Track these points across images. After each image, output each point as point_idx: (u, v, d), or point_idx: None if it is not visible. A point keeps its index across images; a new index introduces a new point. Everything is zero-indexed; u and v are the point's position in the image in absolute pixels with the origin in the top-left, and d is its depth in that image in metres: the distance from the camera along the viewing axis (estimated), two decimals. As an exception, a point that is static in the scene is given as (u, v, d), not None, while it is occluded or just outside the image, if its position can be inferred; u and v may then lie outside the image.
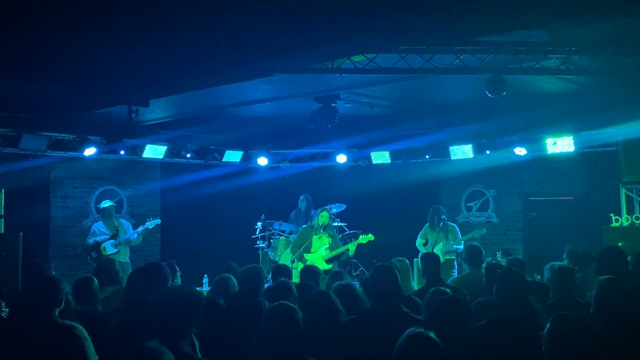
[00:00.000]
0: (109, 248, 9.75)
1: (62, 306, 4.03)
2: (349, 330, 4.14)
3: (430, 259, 6.30)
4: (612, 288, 4.11)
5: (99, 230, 9.94)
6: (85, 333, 4.11)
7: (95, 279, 5.21)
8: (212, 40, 6.02)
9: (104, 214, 10.12)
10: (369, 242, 9.45)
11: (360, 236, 9.47)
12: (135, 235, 9.95)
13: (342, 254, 9.37)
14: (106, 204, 10.13)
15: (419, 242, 10.02)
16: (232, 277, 5.76)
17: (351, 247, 9.33)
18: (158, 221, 10.16)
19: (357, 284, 5.90)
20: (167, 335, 3.27)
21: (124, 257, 9.80)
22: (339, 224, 11.46)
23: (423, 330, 3.06)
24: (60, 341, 3.69)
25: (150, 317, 3.49)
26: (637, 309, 3.92)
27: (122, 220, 10.27)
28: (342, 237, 11.06)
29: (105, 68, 6.73)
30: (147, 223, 10.03)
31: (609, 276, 4.36)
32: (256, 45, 6.05)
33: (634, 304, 3.95)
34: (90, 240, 9.84)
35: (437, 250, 9.37)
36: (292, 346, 3.42)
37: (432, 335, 3.03)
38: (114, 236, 9.84)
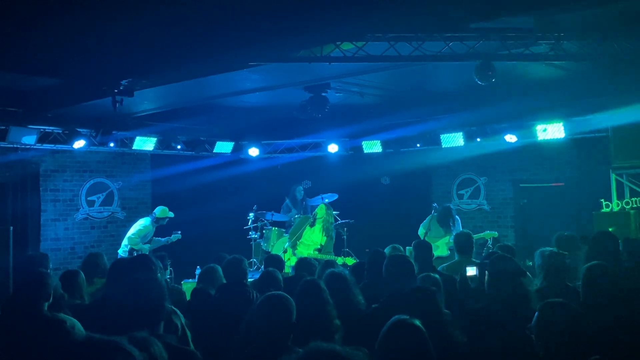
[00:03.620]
0: (144, 251, 9.93)
1: (50, 300, 4.00)
2: (369, 322, 4.10)
3: (422, 247, 6.32)
4: (598, 274, 4.13)
5: (147, 232, 10.07)
6: (78, 326, 4.09)
7: (82, 272, 5.19)
8: (198, 30, 5.97)
9: (157, 221, 10.17)
10: (360, 235, 9.63)
11: (349, 257, 9.90)
12: (164, 243, 10.30)
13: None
14: (165, 213, 10.23)
15: (421, 230, 9.92)
16: (218, 267, 5.77)
17: (338, 260, 9.50)
18: (179, 236, 10.40)
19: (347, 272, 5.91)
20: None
21: None
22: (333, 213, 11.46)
23: (407, 317, 3.05)
24: (50, 335, 3.65)
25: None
26: (624, 293, 3.95)
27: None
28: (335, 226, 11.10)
29: (89, 59, 6.68)
30: (172, 235, 10.31)
31: (594, 262, 4.39)
32: (241, 34, 6.01)
33: (621, 288, 3.98)
34: (140, 245, 9.88)
35: (442, 243, 9.38)
36: (282, 336, 3.40)
37: (417, 322, 3.02)
38: (150, 240, 10.14)
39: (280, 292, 3.78)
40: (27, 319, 3.84)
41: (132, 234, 9.99)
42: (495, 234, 10.12)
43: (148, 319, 3.23)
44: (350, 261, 9.68)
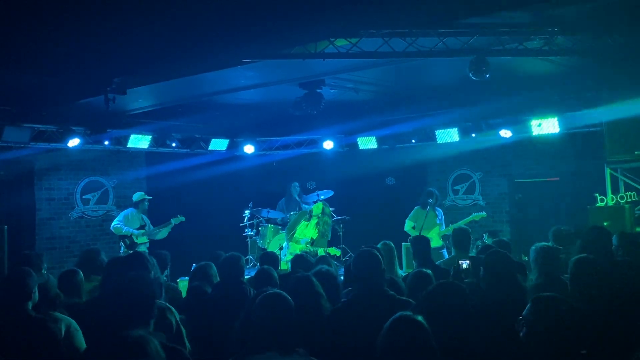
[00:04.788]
0: (141, 237, 10.22)
1: (34, 300, 3.92)
2: (336, 318, 4.12)
3: (420, 242, 6.32)
4: (585, 267, 4.15)
5: (131, 217, 10.28)
6: (74, 325, 4.07)
7: (80, 271, 5.18)
8: (191, 27, 5.95)
9: (137, 206, 10.45)
10: (356, 231, 9.62)
11: (332, 247, 10.04)
12: (164, 227, 10.46)
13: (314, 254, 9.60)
14: (141, 196, 10.42)
15: (408, 225, 10.00)
16: (212, 264, 5.77)
17: (320, 252, 9.52)
18: (183, 218, 10.56)
19: (341, 269, 5.92)
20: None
21: (146, 247, 10.14)
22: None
23: (410, 313, 3.05)
24: (34, 335, 3.62)
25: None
26: (612, 286, 3.96)
27: (142, 215, 10.57)
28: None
29: (82, 57, 6.65)
30: (172, 219, 10.48)
31: (581, 255, 4.41)
32: (234, 31, 5.99)
33: (610, 281, 3.99)
34: (123, 228, 10.15)
35: (434, 233, 9.41)
36: (282, 336, 3.38)
37: (420, 318, 3.01)
38: (142, 227, 10.30)
39: (278, 290, 3.75)
40: (8, 319, 3.78)
41: (114, 223, 10.28)
42: (484, 214, 10.22)
43: (138, 317, 3.21)
44: (332, 251, 9.74)
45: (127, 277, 3.43)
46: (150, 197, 10.60)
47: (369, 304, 4.02)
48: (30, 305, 3.90)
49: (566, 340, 2.98)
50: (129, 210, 10.46)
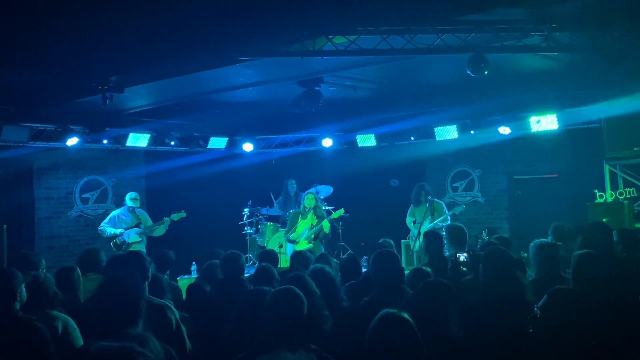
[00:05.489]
0: (133, 236, 9.92)
1: (21, 300, 3.87)
2: (356, 319, 4.11)
3: (432, 237, 6.31)
4: (587, 262, 4.15)
5: (120, 218, 10.01)
6: (71, 324, 4.06)
7: (78, 269, 5.16)
8: (188, 26, 5.95)
9: (127, 204, 10.14)
10: (355, 228, 9.56)
11: (332, 213, 9.88)
12: (165, 227, 10.14)
13: (319, 232, 9.46)
14: (132, 195, 10.17)
15: (408, 220, 10.05)
16: (217, 264, 5.78)
17: (325, 224, 9.41)
18: (183, 214, 10.27)
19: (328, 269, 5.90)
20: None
21: (142, 245, 9.95)
22: (326, 207, 11.46)
23: (396, 311, 3.05)
24: (20, 335, 3.58)
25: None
26: (614, 281, 3.96)
27: (140, 210, 10.28)
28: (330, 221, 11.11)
29: (79, 56, 6.64)
30: (172, 215, 10.16)
31: (583, 251, 4.41)
32: (232, 29, 5.99)
33: (611, 277, 3.99)
34: (106, 232, 9.87)
35: (425, 228, 9.40)
36: (297, 332, 3.34)
37: (405, 315, 3.01)
38: (137, 225, 9.99)
39: (291, 286, 3.71)
40: None
41: (99, 226, 10.04)
42: (463, 207, 10.31)
43: (125, 317, 3.17)
44: (336, 214, 9.74)
45: (113, 277, 3.40)
46: (138, 197, 10.30)
47: (390, 303, 4.02)
48: (17, 305, 3.83)
49: (580, 331, 3.00)
50: (118, 211, 10.14)
